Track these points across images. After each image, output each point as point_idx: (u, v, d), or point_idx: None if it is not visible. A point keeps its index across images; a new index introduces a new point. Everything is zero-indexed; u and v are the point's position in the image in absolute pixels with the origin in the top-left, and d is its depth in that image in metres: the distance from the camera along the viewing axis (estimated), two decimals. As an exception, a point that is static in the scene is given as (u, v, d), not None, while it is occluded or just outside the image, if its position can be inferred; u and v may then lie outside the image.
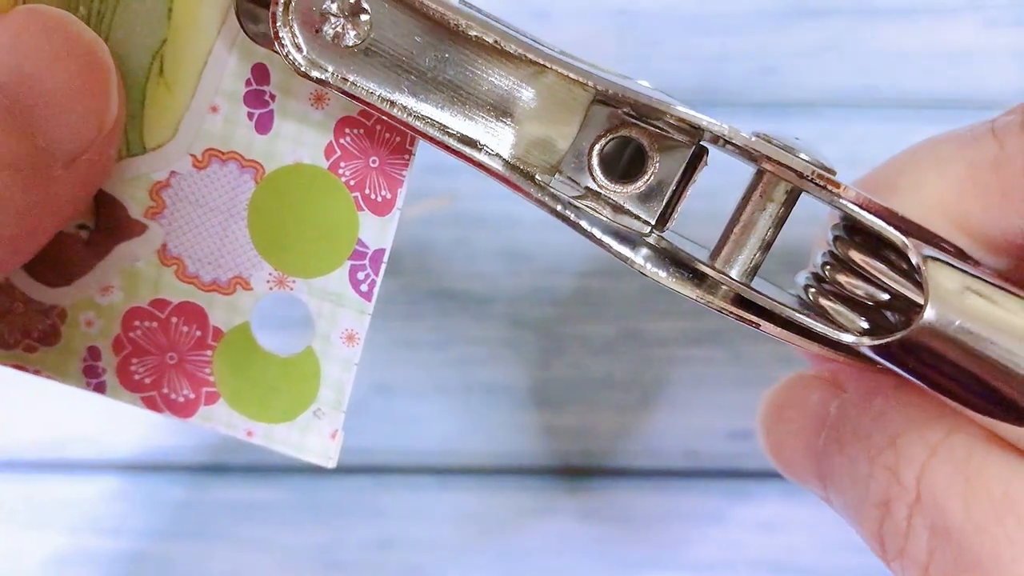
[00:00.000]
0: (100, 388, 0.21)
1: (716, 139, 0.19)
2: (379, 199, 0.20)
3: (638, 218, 0.19)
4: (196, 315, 0.21)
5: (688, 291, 0.19)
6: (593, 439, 0.32)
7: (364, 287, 0.20)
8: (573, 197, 0.19)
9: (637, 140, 0.19)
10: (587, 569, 0.32)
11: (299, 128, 0.20)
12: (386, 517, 0.32)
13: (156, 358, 0.21)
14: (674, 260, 0.19)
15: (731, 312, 0.19)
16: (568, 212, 0.19)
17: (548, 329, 0.32)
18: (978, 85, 0.32)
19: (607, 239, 0.19)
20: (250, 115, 0.20)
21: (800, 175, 0.18)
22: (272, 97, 0.20)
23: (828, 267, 0.19)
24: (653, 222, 0.19)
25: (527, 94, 0.19)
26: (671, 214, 0.19)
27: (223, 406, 0.21)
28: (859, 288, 0.19)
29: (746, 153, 0.18)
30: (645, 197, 0.19)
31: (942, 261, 0.18)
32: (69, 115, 0.18)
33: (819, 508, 0.32)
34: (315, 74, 0.19)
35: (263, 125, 0.20)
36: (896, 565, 0.19)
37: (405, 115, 0.19)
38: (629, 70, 0.32)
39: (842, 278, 0.19)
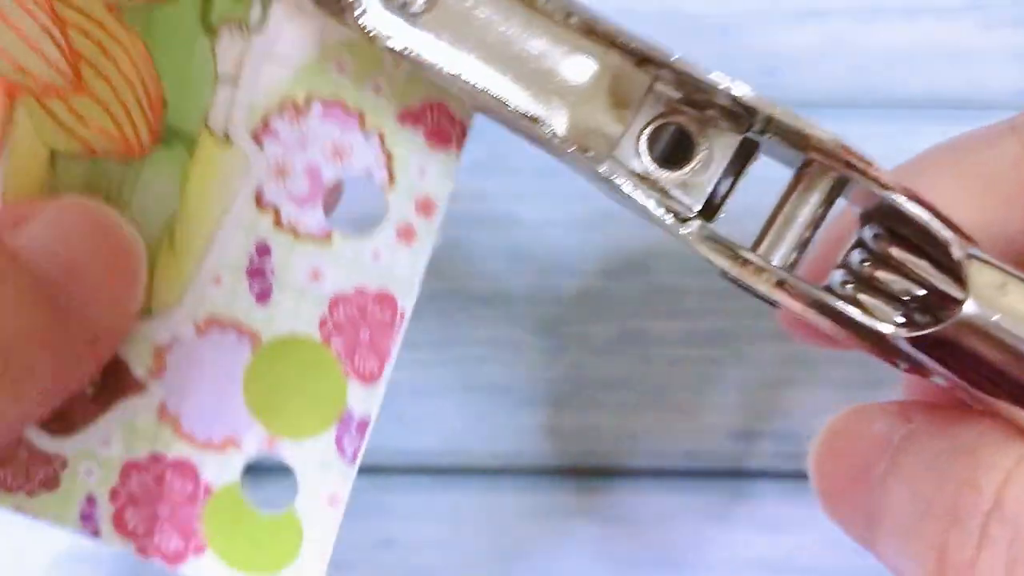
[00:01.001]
0: (95, 533, 0.22)
1: (766, 126, 0.19)
2: (367, 370, 0.21)
3: (682, 205, 0.19)
4: (189, 471, 0.22)
5: (728, 265, 0.19)
6: (593, 439, 0.32)
7: (349, 452, 0.21)
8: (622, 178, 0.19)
9: (686, 127, 0.19)
10: (587, 569, 0.32)
11: (296, 301, 0.21)
12: (386, 517, 0.32)
13: (149, 509, 0.22)
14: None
15: (770, 296, 0.19)
16: (618, 180, 0.19)
17: (548, 329, 0.32)
18: (978, 85, 0.32)
19: (651, 204, 0.19)
20: (251, 287, 0.21)
21: (849, 164, 0.18)
22: (272, 272, 0.21)
23: (865, 263, 0.19)
24: (697, 210, 0.19)
25: (589, 73, 0.19)
26: (720, 206, 0.20)
27: (210, 557, 0.22)
28: (895, 283, 0.19)
29: (794, 139, 0.18)
30: (690, 185, 0.19)
31: (982, 259, 0.18)
32: (102, 303, 0.20)
33: (818, 508, 0.32)
34: (385, 43, 0.19)
35: (263, 297, 0.21)
36: None
37: (468, 88, 0.19)
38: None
39: (880, 274, 0.19)
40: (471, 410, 0.32)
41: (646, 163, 0.19)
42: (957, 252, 0.18)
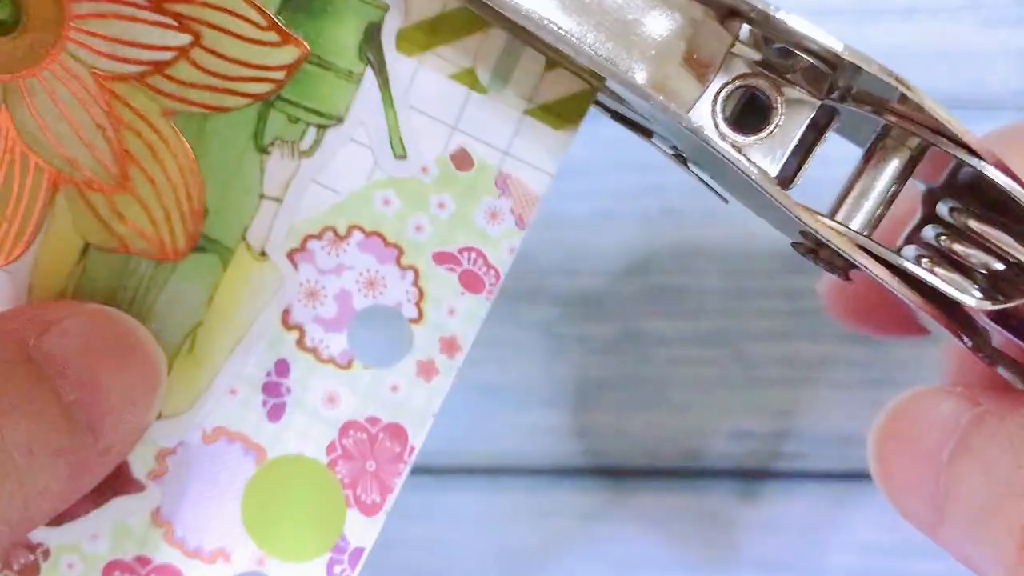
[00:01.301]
0: None
1: (847, 91, 0.18)
2: (368, 501, 0.21)
3: (761, 171, 0.19)
4: None
5: (815, 223, 0.18)
6: (594, 439, 0.32)
7: None
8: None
9: (764, 91, 0.19)
10: (587, 569, 0.32)
11: (308, 423, 0.21)
12: (386, 517, 0.32)
13: None
14: None
15: (854, 259, 0.18)
16: (707, 133, 0.19)
17: (548, 329, 0.32)
18: (978, 85, 0.32)
19: (742, 158, 0.19)
20: (265, 402, 0.21)
21: (938, 129, 0.18)
22: (288, 391, 0.21)
23: (943, 237, 0.19)
24: (773, 175, 0.19)
25: (670, 28, 0.19)
26: (796, 173, 0.19)
27: None
28: (974, 257, 0.18)
29: (877, 101, 0.18)
30: (766, 151, 0.19)
31: None
32: (120, 417, 0.20)
33: (819, 508, 0.32)
34: None
35: (275, 414, 0.21)
36: None
37: (553, 32, 0.18)
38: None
39: (958, 247, 0.19)
40: (471, 410, 0.32)
41: (722, 126, 0.19)
42: None
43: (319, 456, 0.21)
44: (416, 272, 0.21)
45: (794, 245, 0.20)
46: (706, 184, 0.22)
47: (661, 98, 0.19)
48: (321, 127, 0.20)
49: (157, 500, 0.21)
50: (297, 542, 0.21)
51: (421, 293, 0.21)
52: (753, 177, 0.18)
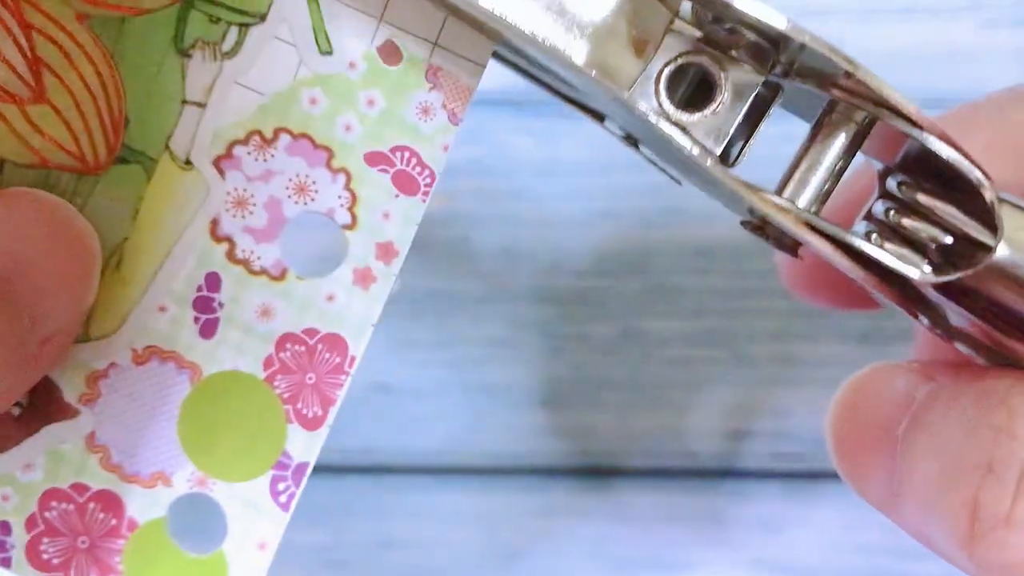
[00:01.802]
0: (5, 563, 0.21)
1: (790, 67, 0.18)
2: (310, 415, 0.20)
3: (703, 147, 0.18)
4: (113, 504, 0.21)
5: (757, 201, 0.18)
6: (593, 439, 0.32)
7: (283, 498, 0.21)
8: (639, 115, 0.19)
9: (707, 68, 0.18)
10: (587, 569, 0.32)
11: (242, 338, 0.20)
12: (386, 517, 0.32)
13: (68, 540, 0.21)
14: None
15: (797, 234, 0.18)
16: (643, 108, 0.18)
17: (548, 329, 0.32)
18: (978, 85, 0.32)
19: (676, 135, 0.18)
20: (196, 319, 0.20)
21: (881, 101, 0.18)
22: (220, 305, 0.20)
23: (891, 211, 0.19)
24: (718, 152, 0.19)
25: (610, 7, 0.18)
26: (741, 152, 0.19)
27: None
28: (922, 231, 0.18)
29: (820, 76, 0.18)
30: (710, 127, 0.19)
31: (1012, 203, 0.18)
32: (55, 299, 0.19)
33: (819, 508, 0.32)
34: None
35: (208, 330, 0.20)
36: (996, 536, 0.17)
37: (487, 13, 0.18)
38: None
39: (906, 221, 0.19)
40: (471, 410, 0.32)
41: (665, 104, 0.18)
42: (989, 195, 0.17)
43: (256, 371, 0.20)
44: (348, 175, 0.20)
45: (743, 223, 0.20)
46: (658, 167, 0.22)
47: (594, 74, 0.18)
48: (243, 26, 0.19)
49: (91, 425, 0.21)
50: (239, 461, 0.21)
51: (354, 197, 0.20)
52: (688, 154, 0.18)
